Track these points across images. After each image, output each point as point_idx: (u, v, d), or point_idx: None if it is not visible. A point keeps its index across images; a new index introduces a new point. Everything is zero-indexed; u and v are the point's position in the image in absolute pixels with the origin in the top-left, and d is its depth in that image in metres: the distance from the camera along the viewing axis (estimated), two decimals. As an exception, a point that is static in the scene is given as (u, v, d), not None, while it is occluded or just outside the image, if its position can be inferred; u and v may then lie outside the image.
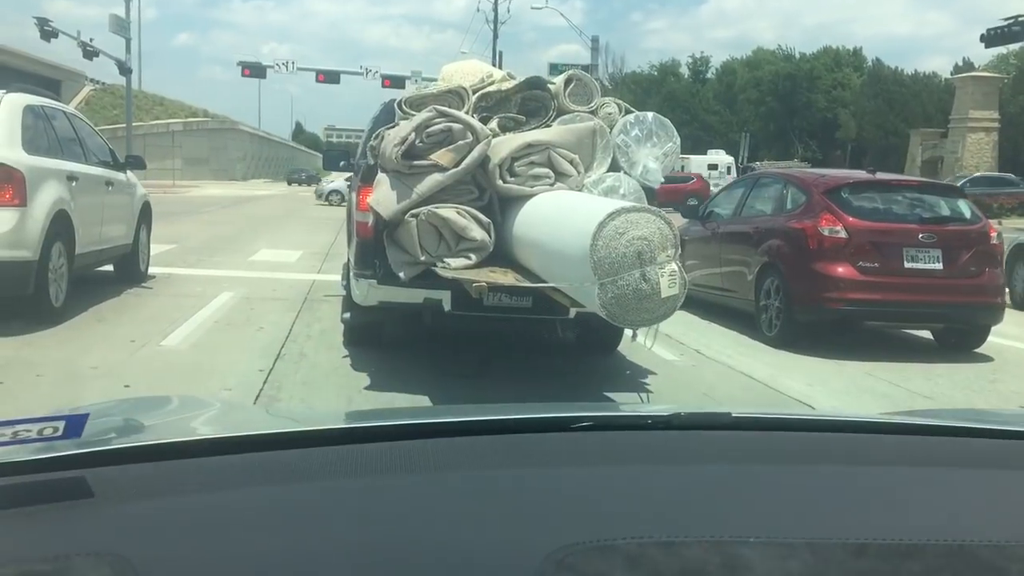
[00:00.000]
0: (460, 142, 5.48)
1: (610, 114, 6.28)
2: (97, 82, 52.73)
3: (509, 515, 0.95)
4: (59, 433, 0.95)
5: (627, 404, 4.38)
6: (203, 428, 1.50)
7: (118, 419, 1.52)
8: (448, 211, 5.43)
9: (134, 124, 41.28)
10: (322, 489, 1.01)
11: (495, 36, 47.37)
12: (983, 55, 52.46)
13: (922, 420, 1.62)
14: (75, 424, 0.96)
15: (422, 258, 5.45)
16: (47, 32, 33.13)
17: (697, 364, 7.18)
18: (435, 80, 6.90)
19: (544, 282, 5.02)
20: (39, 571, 0.79)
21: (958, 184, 17.94)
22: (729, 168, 48.94)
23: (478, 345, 6.95)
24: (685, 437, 1.26)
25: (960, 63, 58.34)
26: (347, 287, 6.53)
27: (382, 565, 0.83)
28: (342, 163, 8.33)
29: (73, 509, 0.91)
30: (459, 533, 0.90)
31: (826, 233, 7.97)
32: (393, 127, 5.85)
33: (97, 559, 0.81)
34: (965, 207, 8.64)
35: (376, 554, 0.85)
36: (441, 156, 5.45)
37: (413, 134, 5.48)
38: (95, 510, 0.92)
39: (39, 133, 7.67)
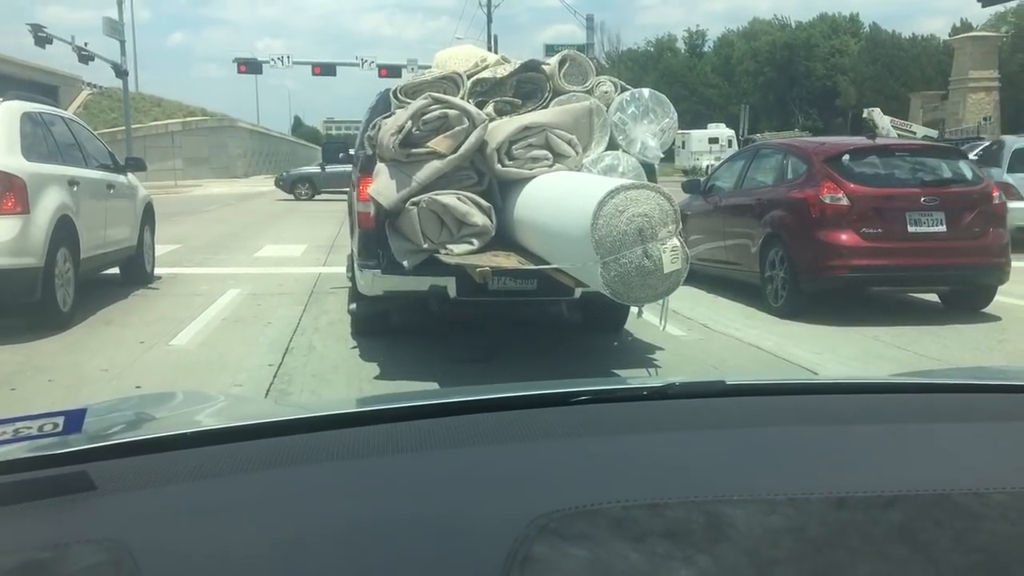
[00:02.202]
0: (457, 128, 5.48)
1: (606, 93, 6.28)
2: (94, 86, 52.59)
3: (500, 486, 0.97)
4: (59, 429, 0.97)
5: (632, 379, 4.41)
6: (208, 421, 1.52)
7: (123, 415, 1.54)
8: (448, 197, 5.44)
9: (133, 126, 41.18)
10: (320, 472, 1.02)
11: (489, 20, 47.21)
12: (981, 15, 52.23)
13: (914, 379, 1.64)
14: (74, 419, 0.98)
15: (425, 246, 5.47)
16: (41, 38, 33.08)
17: (704, 338, 7.20)
18: (431, 68, 6.89)
19: (547, 264, 5.03)
20: (39, 559, 0.81)
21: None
22: (730, 141, 48.77)
23: (486, 330, 6.97)
24: (680, 406, 1.28)
25: (958, 24, 58.03)
26: (352, 278, 6.56)
27: (371, 540, 0.85)
28: (341, 155, 8.34)
29: (76, 502, 0.93)
30: (448, 506, 0.92)
31: (828, 201, 7.95)
32: (390, 116, 5.86)
33: (96, 545, 0.83)
34: (966, 168, 8.62)
35: (366, 530, 0.87)
36: (439, 143, 5.46)
37: (409, 122, 5.49)
38: (97, 502, 0.94)
39: (38, 140, 7.69)
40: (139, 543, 0.83)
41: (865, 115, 49.07)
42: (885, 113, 40.48)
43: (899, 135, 34.99)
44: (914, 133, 38.86)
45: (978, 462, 1.04)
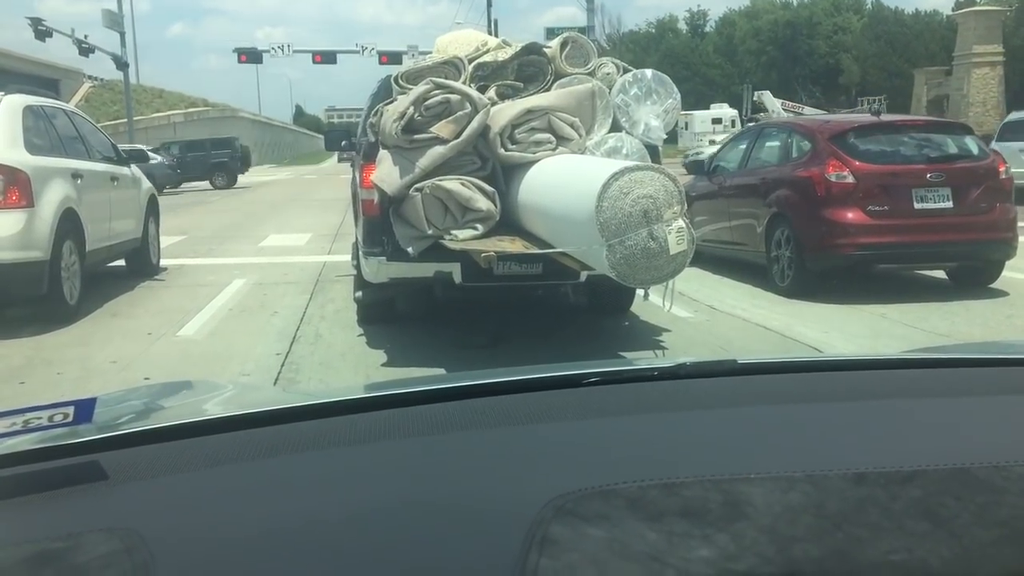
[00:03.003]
0: (459, 113, 5.46)
1: (608, 74, 6.25)
2: (95, 78, 52.58)
3: (514, 468, 0.97)
4: (69, 419, 0.97)
5: (640, 360, 4.42)
6: (218, 409, 1.52)
7: (133, 404, 1.54)
8: (452, 183, 5.43)
9: (135, 118, 41.24)
10: (332, 457, 1.02)
11: (489, 4, 46.99)
12: (984, -11, 51.80)
13: (925, 354, 1.63)
14: (84, 409, 0.98)
15: (429, 232, 5.46)
16: (41, 32, 33.10)
17: (711, 319, 7.19)
18: (432, 53, 6.87)
19: (552, 248, 5.02)
20: (52, 549, 0.81)
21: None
22: (733, 121, 48.58)
23: (492, 315, 6.97)
24: (691, 385, 1.28)
25: (961, -1, 57.61)
26: (357, 266, 6.55)
27: (387, 524, 0.85)
28: (344, 143, 8.33)
29: (88, 492, 0.93)
30: (464, 489, 0.91)
31: (833, 179, 7.92)
32: (391, 103, 5.84)
33: (109, 534, 0.83)
34: (972, 143, 8.57)
35: (381, 515, 0.86)
36: (441, 128, 5.44)
37: (411, 108, 5.47)
38: (109, 491, 0.94)
39: (41, 133, 7.69)
40: (152, 531, 0.82)
41: (756, 98, 50.30)
42: (888, 89, 40.54)
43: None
44: (803, 114, 40.46)
45: (996, 436, 1.04)
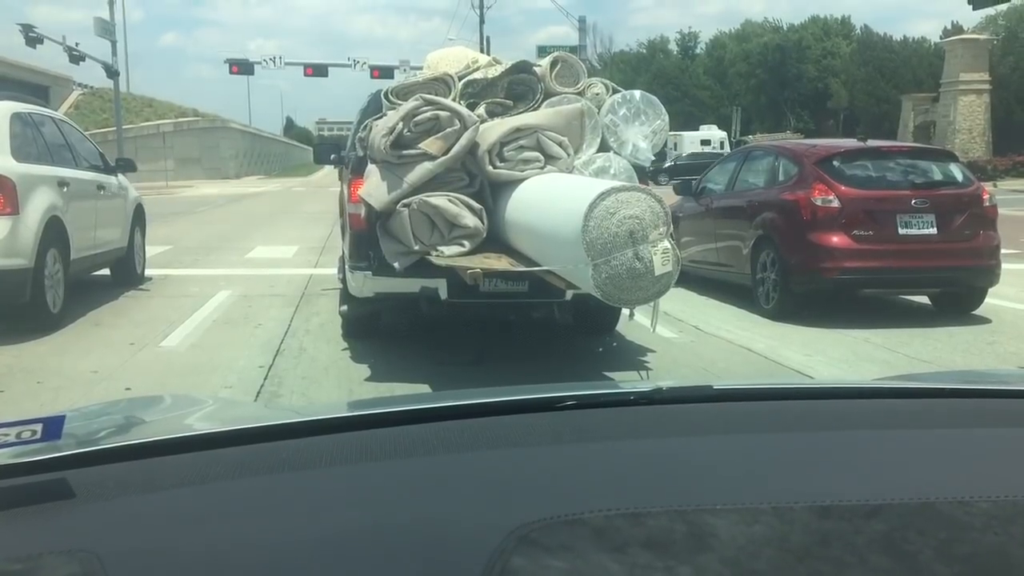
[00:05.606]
0: (448, 129, 5.48)
1: (597, 94, 6.28)
2: (85, 86, 52.41)
3: (481, 495, 0.96)
4: (37, 436, 0.96)
5: (622, 382, 4.42)
6: (196, 425, 1.51)
7: (108, 420, 1.52)
8: (439, 199, 5.43)
9: (124, 126, 41.07)
10: (303, 479, 1.02)
11: (481, 21, 47.27)
12: (972, 17, 52.44)
13: (900, 383, 1.64)
14: (53, 426, 0.97)
15: (416, 247, 5.46)
16: (32, 38, 32.93)
17: (696, 340, 7.20)
18: (423, 69, 6.88)
19: (538, 266, 5.03)
20: (10, 571, 0.80)
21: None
22: (722, 143, 48.82)
23: (477, 332, 6.96)
24: (666, 411, 1.28)
25: (949, 26, 58.16)
26: (343, 280, 6.55)
27: (352, 548, 0.84)
28: (333, 156, 8.33)
29: (54, 510, 0.92)
30: (429, 515, 0.91)
31: (819, 203, 7.97)
32: (381, 118, 5.85)
33: (69, 556, 0.81)
34: (957, 170, 8.64)
35: (347, 539, 0.86)
36: (430, 144, 5.45)
37: (401, 124, 5.48)
38: (76, 510, 0.92)
39: (28, 140, 7.66)
40: (114, 554, 0.81)
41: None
42: (875, 114, 40.69)
43: None
44: None
45: (963, 469, 1.04)
